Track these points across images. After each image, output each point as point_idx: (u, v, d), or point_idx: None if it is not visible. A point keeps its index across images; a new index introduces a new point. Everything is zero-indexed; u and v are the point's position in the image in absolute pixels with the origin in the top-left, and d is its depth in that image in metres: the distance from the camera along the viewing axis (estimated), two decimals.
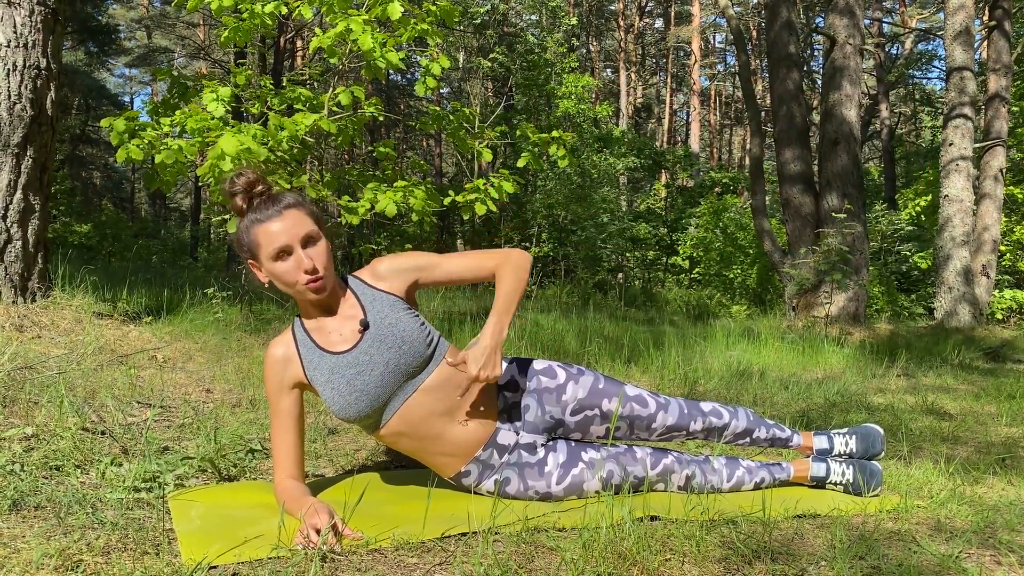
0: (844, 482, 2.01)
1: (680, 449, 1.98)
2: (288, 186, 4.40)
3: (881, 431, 2.10)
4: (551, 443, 1.79)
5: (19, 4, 3.56)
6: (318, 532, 1.39)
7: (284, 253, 1.59)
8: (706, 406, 1.96)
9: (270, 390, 1.67)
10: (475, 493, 1.77)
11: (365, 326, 1.65)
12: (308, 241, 1.62)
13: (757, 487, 1.99)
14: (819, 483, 2.04)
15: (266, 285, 1.66)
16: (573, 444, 1.80)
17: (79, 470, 1.79)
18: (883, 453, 2.11)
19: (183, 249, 19.48)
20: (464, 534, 1.50)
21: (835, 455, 2.08)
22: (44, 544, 1.31)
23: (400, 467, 2.13)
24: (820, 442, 2.09)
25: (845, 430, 2.12)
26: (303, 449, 1.69)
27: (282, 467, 1.65)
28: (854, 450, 2.07)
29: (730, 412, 1.99)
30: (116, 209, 22.20)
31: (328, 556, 1.36)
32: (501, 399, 1.76)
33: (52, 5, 3.66)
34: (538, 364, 1.82)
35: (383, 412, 1.67)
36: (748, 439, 2.01)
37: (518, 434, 1.75)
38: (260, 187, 1.64)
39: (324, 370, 1.65)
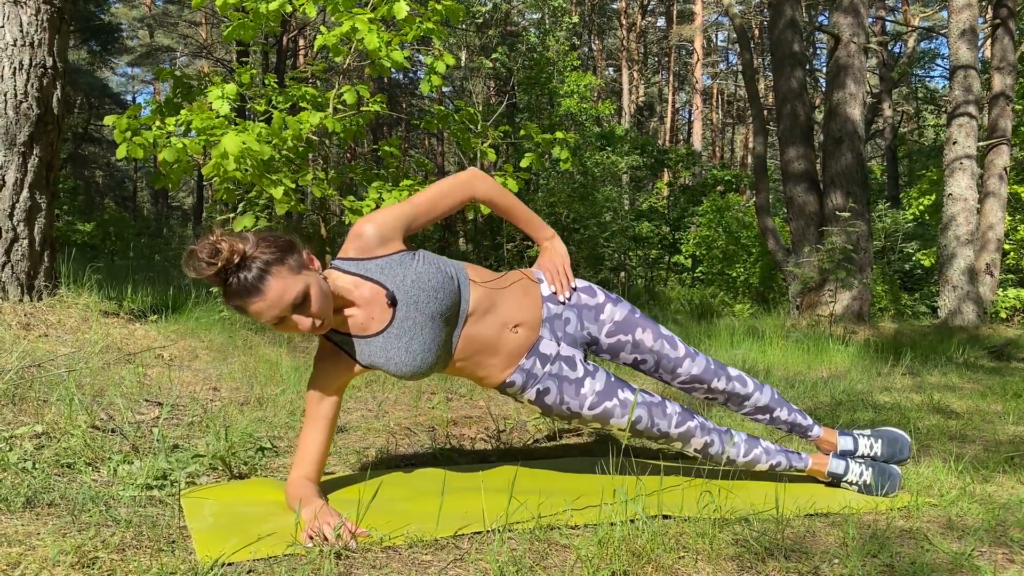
0: (860, 482, 2.00)
1: (706, 417, 2.00)
2: (292, 185, 4.40)
3: (909, 439, 2.09)
4: (593, 369, 1.84)
5: (26, 3, 3.56)
6: (339, 535, 1.39)
7: (279, 321, 1.55)
8: (733, 371, 1.99)
9: (312, 395, 1.68)
10: (518, 402, 1.85)
11: (392, 301, 1.64)
12: (298, 304, 1.53)
13: (772, 469, 1.99)
14: (835, 479, 2.04)
15: None
16: (613, 379, 1.84)
17: (91, 468, 1.79)
18: (909, 460, 2.10)
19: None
20: (478, 532, 1.50)
21: (858, 456, 2.08)
22: (60, 541, 1.31)
23: (412, 465, 2.13)
24: (845, 443, 2.08)
25: (869, 432, 2.11)
26: (326, 452, 1.70)
27: (300, 465, 1.66)
28: (879, 453, 2.07)
29: (756, 384, 2.00)
30: (118, 208, 22.21)
31: (343, 553, 1.36)
32: (545, 308, 1.81)
33: (58, 4, 3.66)
34: (579, 283, 1.89)
35: (449, 350, 1.71)
36: (768, 416, 2.02)
37: (559, 345, 1.81)
38: (223, 257, 1.48)
39: (378, 352, 1.66)
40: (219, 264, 1.47)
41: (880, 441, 2.07)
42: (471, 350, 1.73)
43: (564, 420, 1.86)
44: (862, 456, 2.07)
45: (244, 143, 3.89)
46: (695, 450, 1.90)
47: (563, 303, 1.83)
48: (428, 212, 1.73)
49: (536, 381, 1.78)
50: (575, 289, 1.87)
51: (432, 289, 1.65)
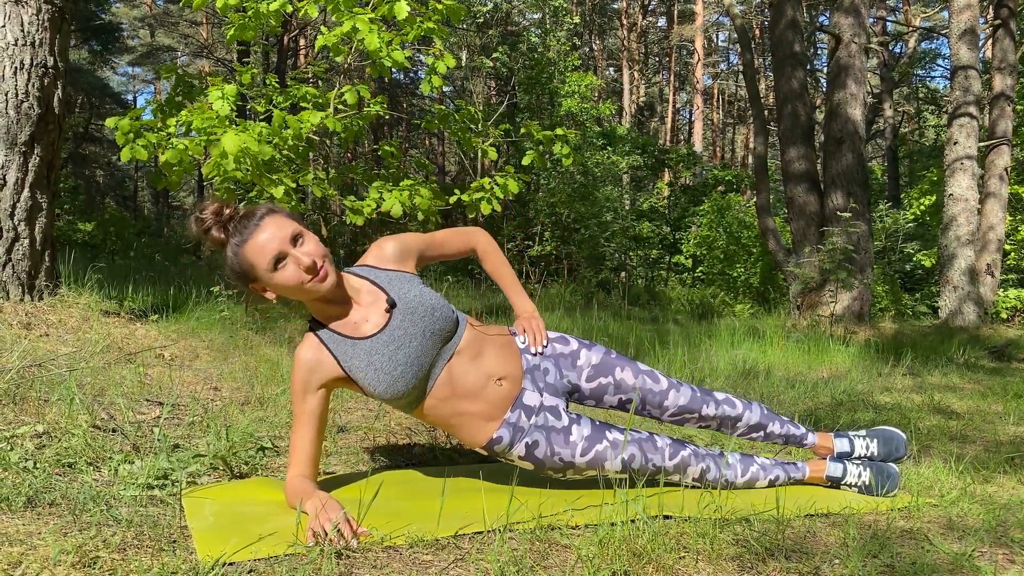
0: (859, 484, 2.00)
1: (697, 443, 2.01)
2: (293, 185, 4.41)
3: (903, 436, 2.08)
4: (576, 416, 1.84)
5: (27, 3, 3.56)
6: (339, 531, 1.39)
7: (279, 260, 1.59)
8: (719, 395, 1.99)
9: (295, 392, 1.68)
10: (507, 462, 1.82)
11: (392, 304, 1.69)
12: (297, 239, 1.62)
13: (771, 484, 1.99)
14: (834, 483, 2.04)
15: (274, 302, 1.66)
16: (598, 423, 1.85)
17: (92, 467, 1.79)
18: (905, 458, 2.10)
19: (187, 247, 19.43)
20: (479, 532, 1.50)
21: (855, 457, 2.08)
22: (61, 541, 1.31)
23: (413, 465, 2.13)
24: (841, 444, 2.08)
25: (864, 432, 2.11)
26: (320, 449, 1.70)
27: (296, 464, 1.66)
28: (875, 453, 2.07)
29: (744, 404, 2.01)
30: (119, 207, 22.17)
31: (344, 553, 1.36)
32: (524, 360, 1.84)
33: (59, 4, 3.66)
34: (552, 333, 1.94)
35: (427, 380, 1.71)
36: (762, 433, 2.02)
37: (542, 395, 1.82)
38: (227, 210, 1.64)
39: (361, 356, 1.66)
40: (215, 205, 1.63)
41: (876, 441, 2.07)
42: (450, 390, 1.72)
43: (558, 473, 1.83)
44: (859, 457, 2.07)
45: (243, 143, 3.89)
46: (694, 479, 1.89)
47: (537, 354, 1.87)
48: (440, 246, 1.91)
49: (523, 435, 1.77)
50: (547, 344, 1.90)
51: (431, 307, 1.71)
